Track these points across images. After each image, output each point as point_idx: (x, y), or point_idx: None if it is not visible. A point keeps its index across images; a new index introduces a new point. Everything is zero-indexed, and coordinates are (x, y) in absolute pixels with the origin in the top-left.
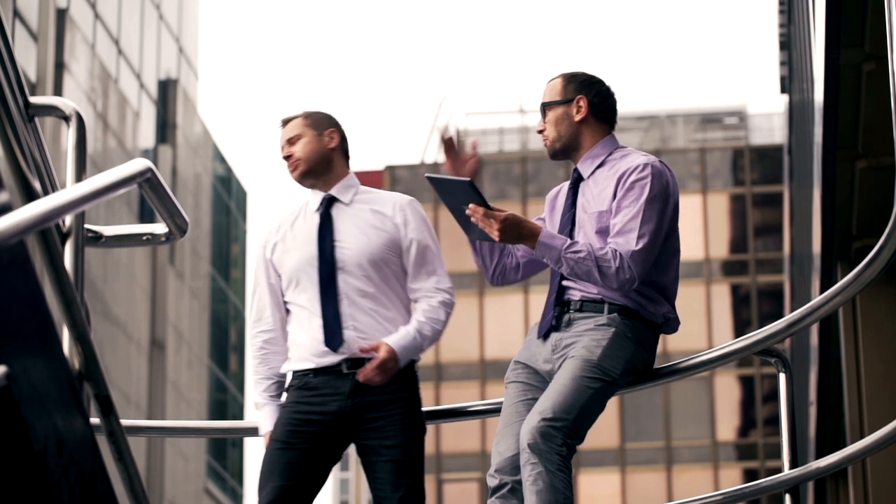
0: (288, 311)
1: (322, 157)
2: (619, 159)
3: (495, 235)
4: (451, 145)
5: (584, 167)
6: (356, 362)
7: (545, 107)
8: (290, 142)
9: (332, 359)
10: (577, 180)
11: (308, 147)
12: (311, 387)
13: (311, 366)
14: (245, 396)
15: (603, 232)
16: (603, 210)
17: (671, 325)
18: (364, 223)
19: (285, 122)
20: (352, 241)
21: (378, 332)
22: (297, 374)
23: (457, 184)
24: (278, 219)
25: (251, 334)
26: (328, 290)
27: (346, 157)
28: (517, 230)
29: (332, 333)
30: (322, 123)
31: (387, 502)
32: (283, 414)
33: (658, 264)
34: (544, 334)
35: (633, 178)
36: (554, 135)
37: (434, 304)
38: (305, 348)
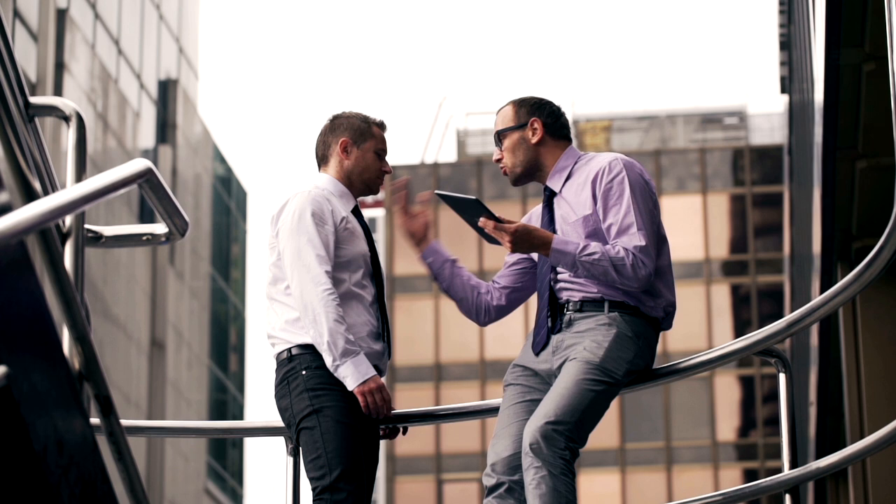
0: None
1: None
2: (586, 164)
3: (507, 247)
4: (402, 198)
5: (554, 182)
6: (380, 371)
7: (500, 135)
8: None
9: (372, 358)
10: (549, 197)
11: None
12: None
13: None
14: (245, 396)
15: (593, 236)
16: (587, 214)
17: (669, 319)
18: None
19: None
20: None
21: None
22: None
23: (465, 201)
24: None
25: (329, 281)
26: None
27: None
28: (528, 240)
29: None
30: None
31: None
32: (350, 396)
33: None
34: (539, 350)
35: (608, 176)
36: (512, 161)
37: None
38: (356, 334)
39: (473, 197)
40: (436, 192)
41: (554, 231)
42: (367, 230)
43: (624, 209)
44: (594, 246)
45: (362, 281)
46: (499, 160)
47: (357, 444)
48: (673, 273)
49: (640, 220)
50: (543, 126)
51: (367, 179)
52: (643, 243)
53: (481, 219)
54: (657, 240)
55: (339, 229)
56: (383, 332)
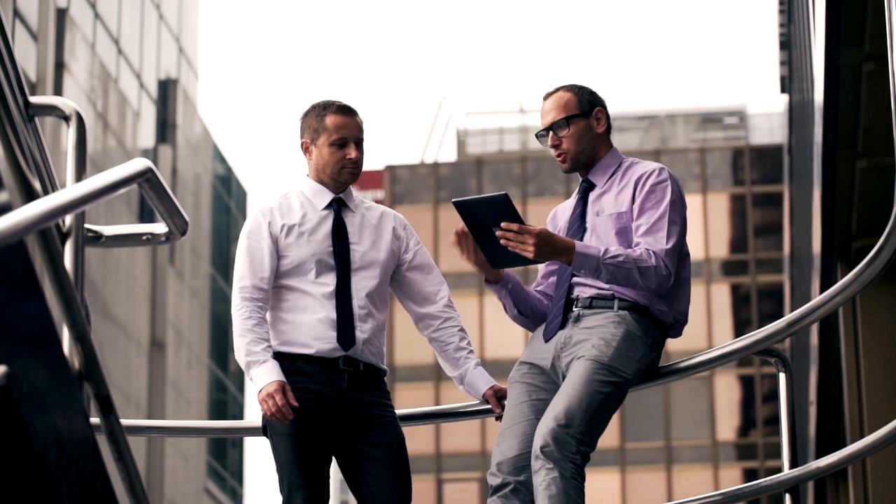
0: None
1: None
2: (631, 167)
3: (530, 251)
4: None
5: (597, 177)
6: (351, 360)
7: (568, 121)
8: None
9: (334, 351)
10: (586, 190)
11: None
12: (305, 373)
13: (310, 352)
14: (245, 396)
15: (622, 233)
16: (622, 211)
17: (678, 327)
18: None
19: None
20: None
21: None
22: (289, 357)
23: (490, 202)
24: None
25: (248, 295)
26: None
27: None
28: (551, 244)
29: (346, 331)
30: None
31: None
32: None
33: None
34: (549, 337)
35: (652, 180)
36: (577, 148)
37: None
38: (306, 334)
39: (503, 193)
40: (453, 201)
41: (584, 224)
42: (341, 223)
43: (658, 214)
44: (617, 249)
45: (319, 280)
46: (556, 146)
47: (307, 454)
48: (690, 286)
49: (670, 229)
50: (606, 117)
51: (330, 174)
52: (667, 247)
53: (503, 223)
54: (682, 255)
55: (281, 238)
56: (350, 315)
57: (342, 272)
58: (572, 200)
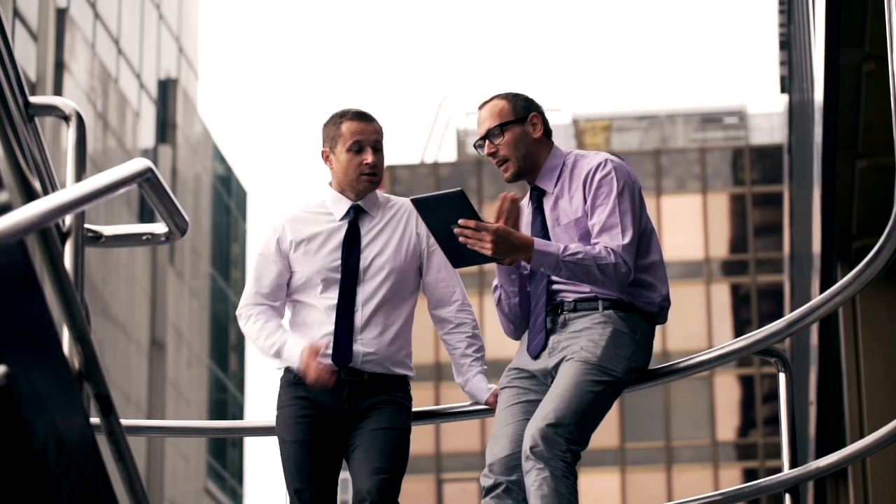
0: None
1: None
2: (576, 163)
3: (488, 248)
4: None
5: (545, 182)
6: (353, 371)
7: (502, 128)
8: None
9: (332, 366)
10: (538, 197)
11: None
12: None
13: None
14: (245, 396)
15: (585, 238)
16: (579, 217)
17: (664, 313)
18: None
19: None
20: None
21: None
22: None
23: (446, 199)
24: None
25: (249, 302)
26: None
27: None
28: (509, 241)
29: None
30: None
31: (363, 486)
32: (287, 414)
33: (640, 245)
34: (536, 354)
35: (598, 176)
36: (514, 154)
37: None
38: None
39: (458, 189)
40: (411, 199)
41: (546, 233)
42: (355, 231)
43: (609, 209)
44: (576, 246)
45: (324, 294)
46: (493, 154)
47: (308, 459)
48: (664, 264)
49: (623, 221)
50: (542, 121)
51: (350, 182)
52: (625, 242)
53: (461, 220)
54: (647, 233)
55: (290, 254)
56: (350, 329)
57: (346, 286)
58: (529, 206)
